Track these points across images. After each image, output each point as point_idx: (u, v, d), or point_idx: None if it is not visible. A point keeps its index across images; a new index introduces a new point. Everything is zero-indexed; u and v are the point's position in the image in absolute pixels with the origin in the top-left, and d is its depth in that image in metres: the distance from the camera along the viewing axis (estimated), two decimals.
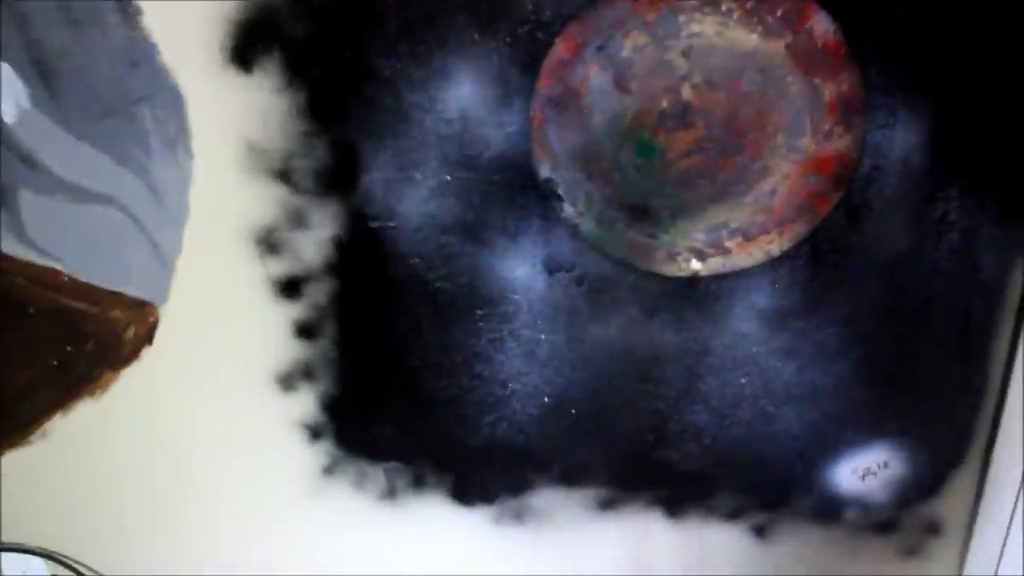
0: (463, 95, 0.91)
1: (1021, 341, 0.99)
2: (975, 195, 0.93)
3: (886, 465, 1.06)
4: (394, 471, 1.11)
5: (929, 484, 1.09)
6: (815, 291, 0.98)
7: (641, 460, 1.08)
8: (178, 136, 0.94)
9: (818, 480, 1.08)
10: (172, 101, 0.93)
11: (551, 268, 0.98)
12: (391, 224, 0.97)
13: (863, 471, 1.07)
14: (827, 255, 0.96)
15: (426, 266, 0.98)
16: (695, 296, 0.98)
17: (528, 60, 0.89)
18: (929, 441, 1.06)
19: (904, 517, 1.10)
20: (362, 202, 0.96)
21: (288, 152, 0.94)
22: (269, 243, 0.98)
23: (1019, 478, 1.05)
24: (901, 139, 0.90)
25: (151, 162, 0.95)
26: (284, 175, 0.95)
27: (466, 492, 1.12)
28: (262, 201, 0.96)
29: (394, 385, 1.06)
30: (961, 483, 1.09)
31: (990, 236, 0.96)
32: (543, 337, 1.01)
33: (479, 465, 1.10)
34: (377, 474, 1.11)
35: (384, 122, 0.92)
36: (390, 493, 1.12)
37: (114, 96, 0.90)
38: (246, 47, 0.90)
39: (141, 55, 0.91)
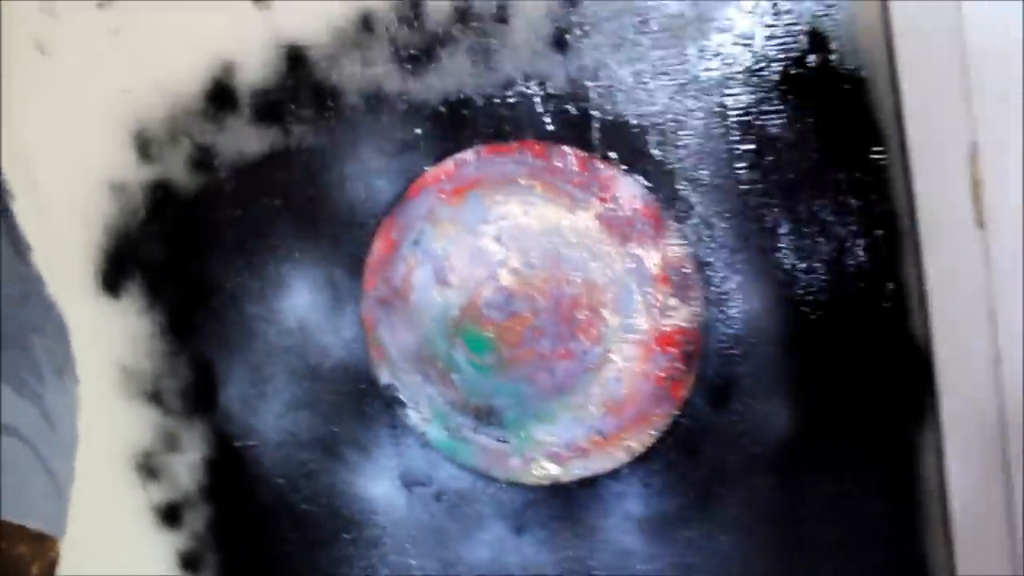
0: (298, 304, 0.86)
1: (953, 534, 0.76)
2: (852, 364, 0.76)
3: None
4: None
5: None
6: (694, 492, 0.80)
7: None
8: (65, 363, 0.94)
9: None
10: (58, 330, 0.93)
11: (408, 483, 0.86)
12: (252, 443, 0.90)
13: None
14: (698, 447, 0.79)
15: (290, 487, 0.90)
16: (562, 507, 0.83)
17: (352, 263, 0.84)
18: None
19: None
20: (224, 420, 0.90)
21: (156, 373, 0.91)
22: (148, 468, 0.93)
23: None
24: (746, 302, 0.76)
25: (44, 390, 0.95)
26: (155, 397, 0.91)
27: None
28: (138, 425, 0.93)
29: None
30: None
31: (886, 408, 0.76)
32: (414, 563, 0.88)
33: None
34: None
35: (232, 337, 0.88)
36: None
37: (10, 328, 0.92)
38: (112, 273, 0.90)
39: (31, 288, 0.93)
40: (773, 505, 0.80)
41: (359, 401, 0.87)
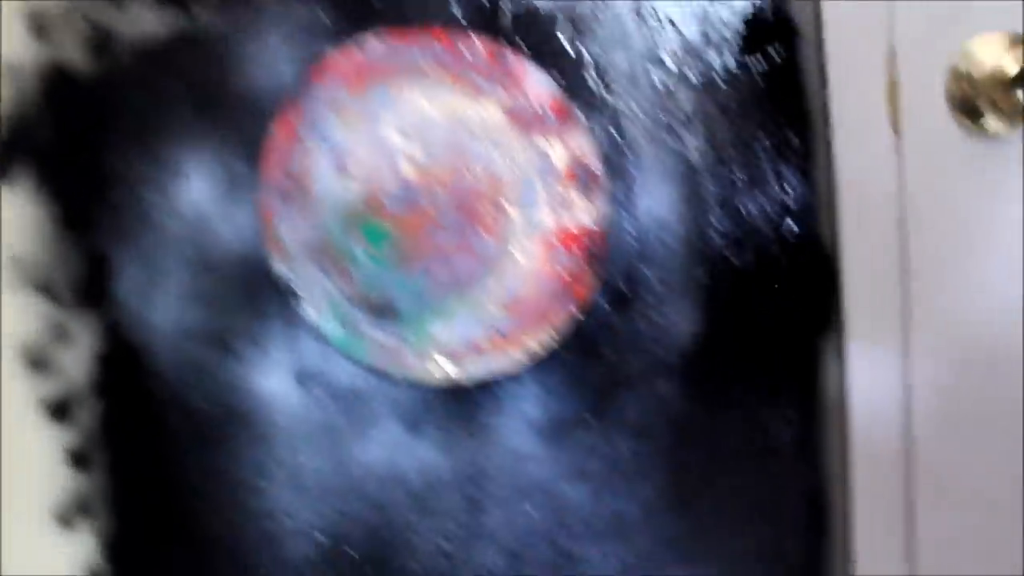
0: (195, 192, 0.82)
1: (851, 443, 0.75)
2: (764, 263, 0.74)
3: None
4: None
5: None
6: (594, 396, 0.78)
7: None
8: None
9: None
10: None
11: (302, 380, 0.83)
12: (145, 337, 0.86)
13: None
14: (600, 350, 0.77)
15: (183, 383, 0.86)
16: (459, 408, 0.81)
17: (250, 151, 0.80)
18: None
19: None
20: (117, 313, 0.86)
21: (47, 263, 0.86)
22: (36, 361, 0.88)
23: None
24: (654, 203, 0.74)
25: None
26: (45, 287, 0.87)
27: None
28: (26, 316, 0.88)
29: (171, 523, 0.91)
30: None
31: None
32: (305, 462, 0.85)
33: None
34: None
35: (127, 226, 0.84)
36: None
37: None
38: (2, 159, 0.85)
39: None
40: (674, 411, 0.79)
41: (255, 294, 0.83)
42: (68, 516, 0.91)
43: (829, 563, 0.81)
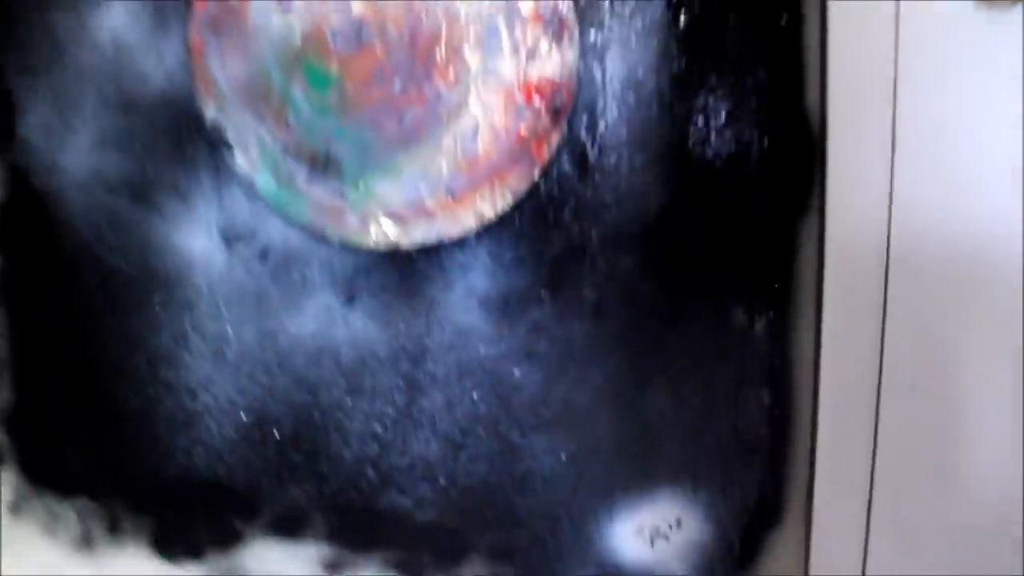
0: (115, 21, 0.72)
1: (824, 335, 0.69)
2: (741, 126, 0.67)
3: (679, 524, 0.74)
4: (87, 511, 0.84)
5: (740, 552, 0.75)
6: (548, 269, 0.71)
7: (366, 506, 0.79)
8: None
9: (593, 544, 0.76)
10: None
11: (229, 238, 0.74)
12: (54, 183, 0.76)
13: (650, 532, 0.75)
14: (558, 217, 0.70)
15: (96, 237, 0.77)
16: (399, 276, 0.73)
17: None
18: (731, 488, 0.74)
19: None
20: (23, 155, 0.76)
21: None
22: None
23: (860, 540, 0.71)
24: (627, 57, 0.66)
25: None
26: None
27: (169, 542, 0.84)
28: None
29: (78, 393, 0.81)
30: (783, 550, 0.75)
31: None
32: (230, 331, 0.76)
33: (178, 506, 0.83)
34: (69, 515, 0.84)
35: (36, 56, 0.73)
36: (85, 540, 0.85)
37: None
38: None
39: None
40: (634, 291, 0.72)
41: (180, 140, 0.74)
42: None
43: (791, 457, 0.75)
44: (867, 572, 0.76)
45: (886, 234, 0.70)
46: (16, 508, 0.85)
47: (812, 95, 0.68)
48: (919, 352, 0.71)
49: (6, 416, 0.84)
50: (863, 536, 0.76)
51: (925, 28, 0.66)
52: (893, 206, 0.70)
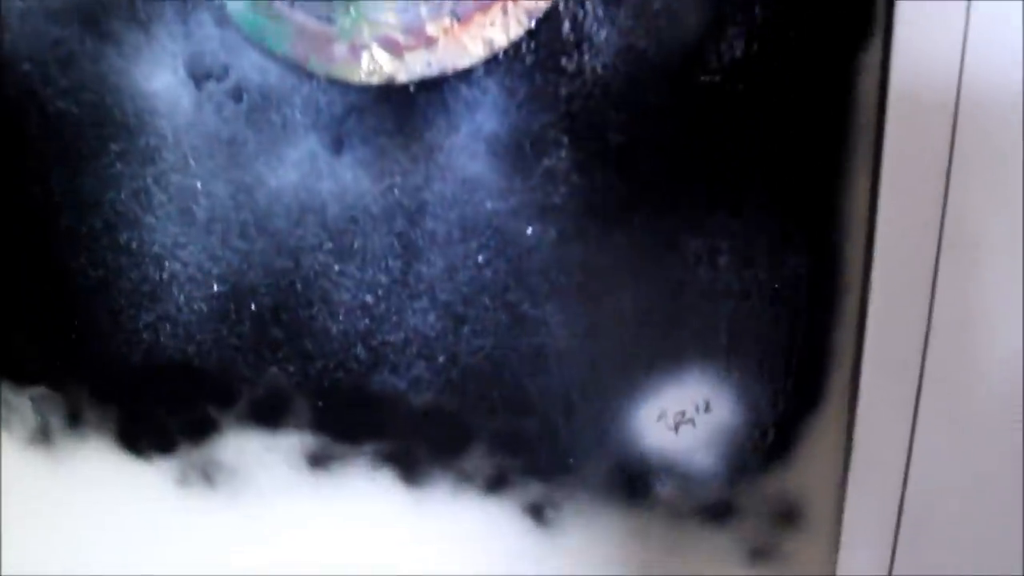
0: None
1: (884, 197, 0.58)
2: None
3: (707, 407, 0.64)
4: (43, 401, 0.73)
5: (775, 440, 0.65)
6: (568, 108, 0.59)
7: (355, 389, 0.68)
8: None
9: (611, 431, 0.66)
10: None
11: (197, 75, 0.62)
12: None
13: (675, 417, 0.65)
14: (580, 45, 0.58)
15: (41, 76, 0.65)
16: (395, 116, 0.61)
17: None
18: (767, 367, 0.64)
19: (742, 495, 0.67)
20: None
21: None
22: None
23: (906, 431, 0.61)
24: None
25: None
26: None
27: (135, 435, 0.73)
28: None
29: (27, 266, 0.70)
30: (823, 438, 0.65)
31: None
32: (199, 186, 0.65)
33: (145, 393, 0.72)
34: (24, 406, 0.73)
35: None
36: (42, 433, 0.74)
37: None
38: None
39: None
40: (664, 136, 0.61)
41: None
42: None
43: (836, 334, 0.65)
44: (912, 461, 0.66)
45: (957, 79, 0.59)
46: None
47: None
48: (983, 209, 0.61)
49: None
50: (910, 424, 0.66)
51: None
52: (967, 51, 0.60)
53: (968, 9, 0.59)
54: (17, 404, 0.75)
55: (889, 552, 0.65)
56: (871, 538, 0.65)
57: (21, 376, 0.75)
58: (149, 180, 0.67)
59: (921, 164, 0.61)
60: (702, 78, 0.60)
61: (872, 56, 0.60)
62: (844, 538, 0.65)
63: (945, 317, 0.63)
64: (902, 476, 0.67)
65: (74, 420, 0.75)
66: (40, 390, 0.75)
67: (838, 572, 0.65)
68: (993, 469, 0.63)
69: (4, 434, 0.77)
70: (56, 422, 0.75)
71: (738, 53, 0.60)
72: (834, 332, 0.66)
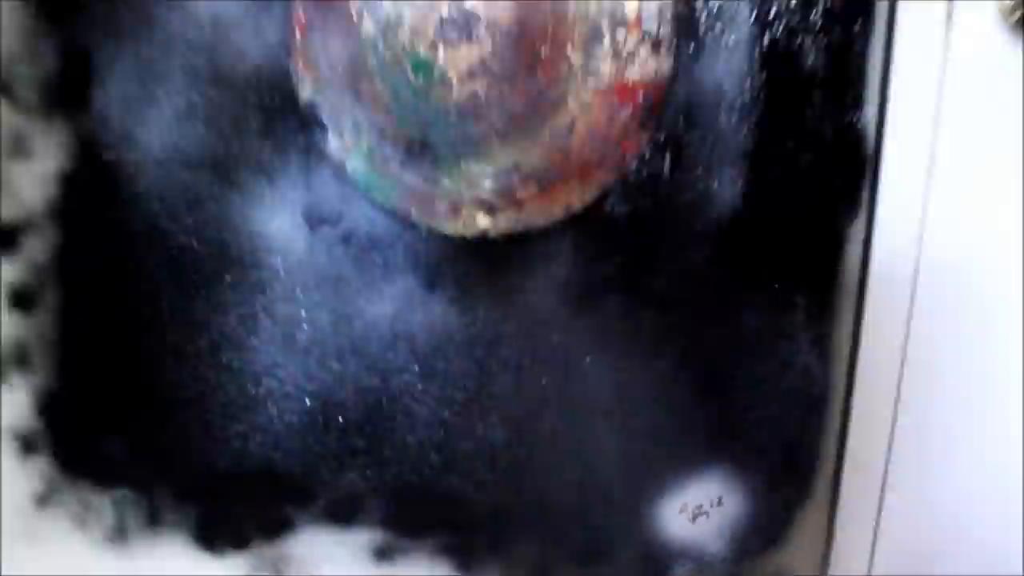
0: None
1: (863, 333, 0.71)
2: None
3: (720, 501, 0.73)
4: (125, 502, 0.75)
5: (773, 526, 0.75)
6: (627, 260, 0.70)
7: (424, 491, 0.74)
8: None
9: (641, 523, 0.74)
10: None
11: (313, 221, 0.69)
12: (127, 156, 0.69)
13: (694, 509, 0.73)
14: (640, 212, 0.69)
15: (168, 214, 0.70)
16: (484, 263, 0.70)
17: None
18: (770, 469, 0.74)
19: (744, 573, 0.76)
20: (96, 125, 0.69)
21: (11, 55, 0.67)
22: None
23: (873, 517, 0.73)
24: (716, 65, 0.66)
25: None
26: (6, 87, 0.68)
27: (213, 533, 0.77)
28: None
29: (126, 378, 0.74)
30: (811, 524, 0.75)
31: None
32: (304, 314, 0.71)
33: (228, 495, 0.76)
34: (104, 506, 0.75)
35: (124, 21, 0.67)
36: (119, 532, 0.76)
37: None
38: None
39: None
40: (703, 286, 0.72)
41: (271, 118, 0.69)
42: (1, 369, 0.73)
43: (822, 448, 0.76)
44: (876, 548, 0.77)
45: (918, 247, 0.73)
46: (44, 500, 0.76)
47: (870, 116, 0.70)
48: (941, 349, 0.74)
49: (42, 401, 0.75)
50: (876, 517, 0.78)
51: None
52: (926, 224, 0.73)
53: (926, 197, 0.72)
54: (97, 504, 0.77)
55: None
56: None
57: (105, 478, 0.77)
58: (257, 307, 0.73)
59: (890, 308, 0.73)
60: (731, 243, 0.72)
61: (857, 228, 0.72)
62: None
63: (906, 428, 0.75)
64: (869, 555, 0.79)
65: (153, 520, 0.78)
66: (122, 492, 0.77)
67: None
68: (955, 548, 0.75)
69: (79, 534, 0.78)
70: (134, 522, 0.78)
71: (760, 225, 0.71)
72: (820, 439, 0.77)
